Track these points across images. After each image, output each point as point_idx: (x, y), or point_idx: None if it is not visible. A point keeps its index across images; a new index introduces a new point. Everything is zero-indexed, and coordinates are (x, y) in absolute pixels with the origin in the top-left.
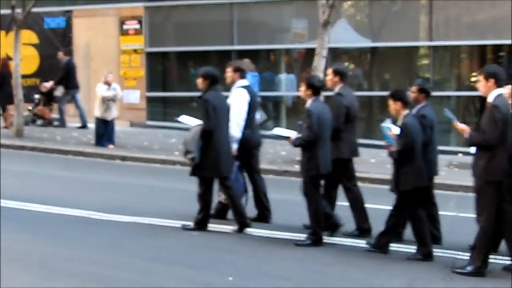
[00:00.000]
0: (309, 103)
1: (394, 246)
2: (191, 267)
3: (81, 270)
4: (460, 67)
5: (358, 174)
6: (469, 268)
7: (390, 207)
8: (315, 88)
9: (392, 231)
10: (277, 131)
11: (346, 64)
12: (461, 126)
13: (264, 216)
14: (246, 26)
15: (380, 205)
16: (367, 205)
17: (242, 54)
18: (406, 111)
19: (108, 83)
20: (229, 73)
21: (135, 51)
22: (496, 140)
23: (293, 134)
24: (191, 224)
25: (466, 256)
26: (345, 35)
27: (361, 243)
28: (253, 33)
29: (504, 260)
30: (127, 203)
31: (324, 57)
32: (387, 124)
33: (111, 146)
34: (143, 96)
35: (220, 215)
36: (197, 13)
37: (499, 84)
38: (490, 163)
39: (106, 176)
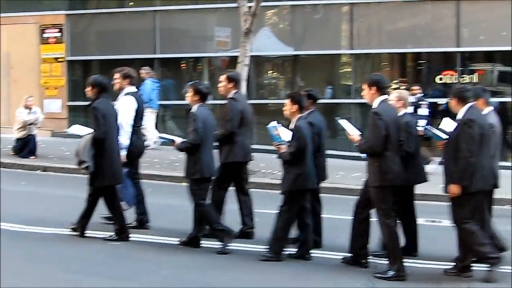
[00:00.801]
0: (195, 108)
1: (315, 253)
2: (114, 278)
3: (3, 284)
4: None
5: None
6: (390, 273)
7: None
8: (202, 94)
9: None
10: (164, 135)
11: (270, 72)
12: (352, 135)
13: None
14: (169, 34)
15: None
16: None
17: (165, 62)
18: (299, 115)
19: (28, 107)
20: (117, 79)
21: (56, 59)
22: (380, 147)
23: (178, 138)
24: (113, 234)
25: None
26: (268, 43)
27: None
28: (176, 41)
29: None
30: (48, 214)
31: (246, 65)
32: (273, 124)
33: (32, 157)
34: (65, 105)
35: (140, 225)
36: (120, 20)
37: (382, 92)
38: (381, 168)
39: (26, 187)
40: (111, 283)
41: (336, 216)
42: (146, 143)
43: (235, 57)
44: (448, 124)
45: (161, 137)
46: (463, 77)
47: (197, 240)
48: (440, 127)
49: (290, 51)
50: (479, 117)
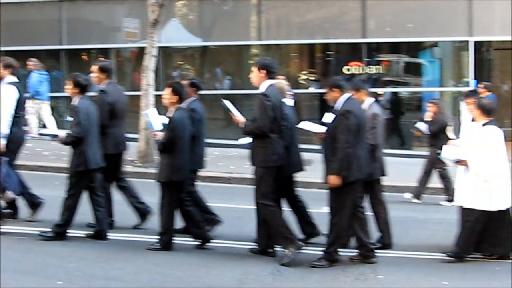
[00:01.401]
0: (76, 100)
1: (228, 243)
2: (21, 272)
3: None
4: (290, 65)
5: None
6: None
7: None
8: (82, 86)
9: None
10: (46, 131)
11: (180, 63)
12: (237, 117)
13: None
14: (76, 25)
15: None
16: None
17: (71, 53)
18: (178, 105)
19: None
20: None
21: None
22: (268, 128)
23: (61, 132)
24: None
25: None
26: (177, 35)
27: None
28: (83, 32)
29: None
30: None
31: (154, 56)
32: (148, 111)
33: None
34: None
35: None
36: (26, 10)
37: (270, 76)
38: (267, 150)
39: None
40: (17, 277)
41: (242, 206)
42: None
43: (144, 48)
44: (328, 116)
45: (42, 134)
46: (370, 67)
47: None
48: (322, 120)
49: (199, 42)
50: (356, 108)
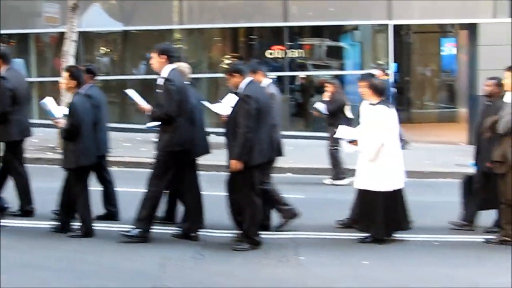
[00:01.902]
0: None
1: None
2: None
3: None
4: (213, 50)
5: (113, 158)
6: (134, 232)
7: (142, 190)
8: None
9: (67, 210)
10: None
11: (103, 49)
12: (142, 105)
13: None
14: None
15: (131, 188)
16: (118, 189)
17: None
18: (77, 90)
19: None
20: None
21: None
22: (175, 112)
23: None
24: None
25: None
26: (98, 19)
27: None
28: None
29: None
30: None
31: (74, 41)
32: (45, 100)
33: None
34: None
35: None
36: None
37: (171, 60)
38: (174, 134)
39: None
40: None
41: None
42: None
43: (64, 33)
44: (231, 99)
45: None
46: (292, 51)
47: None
48: (223, 101)
49: (120, 27)
50: (257, 92)
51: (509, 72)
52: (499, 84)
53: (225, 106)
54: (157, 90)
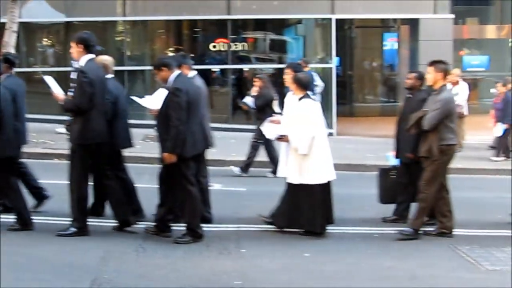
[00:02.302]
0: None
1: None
2: None
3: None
4: (157, 42)
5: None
6: (71, 229)
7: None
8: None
9: None
10: None
11: (45, 40)
12: (57, 94)
13: None
14: None
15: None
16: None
17: None
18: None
19: None
20: None
21: None
22: (86, 104)
23: None
24: None
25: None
26: (39, 10)
27: None
28: None
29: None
30: None
31: (14, 32)
32: None
33: None
34: None
35: None
36: None
37: (89, 50)
38: (85, 127)
39: None
40: None
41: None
42: None
43: (4, 24)
44: (162, 93)
45: None
46: (235, 44)
47: None
48: (153, 96)
49: (62, 18)
50: (186, 84)
51: (432, 67)
52: (420, 78)
53: (156, 100)
54: (71, 82)
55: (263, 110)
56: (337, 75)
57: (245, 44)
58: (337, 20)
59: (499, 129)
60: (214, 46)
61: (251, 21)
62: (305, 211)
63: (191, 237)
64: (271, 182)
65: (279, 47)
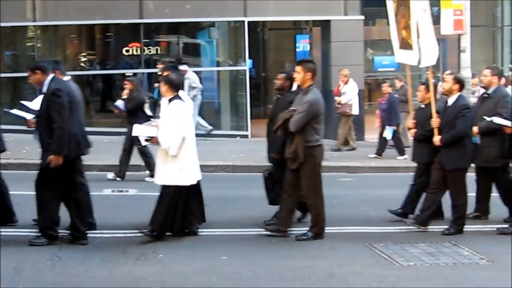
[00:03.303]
0: None
1: (4, 231)
2: None
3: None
4: (69, 47)
5: None
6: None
7: None
8: None
9: None
10: None
11: None
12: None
13: None
14: None
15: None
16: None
17: None
18: None
19: None
20: None
21: None
22: None
23: None
24: None
25: None
26: None
27: None
28: None
29: None
30: None
31: None
32: None
33: None
34: None
35: None
36: None
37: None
38: None
39: None
40: None
41: (20, 192)
42: None
43: None
44: (37, 101)
45: None
46: (149, 48)
47: None
48: (33, 102)
49: None
50: (64, 85)
51: (300, 66)
52: (289, 78)
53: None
54: None
55: (135, 114)
56: (251, 77)
57: (158, 48)
58: (250, 23)
59: (389, 132)
60: (127, 51)
61: (164, 24)
62: (176, 213)
63: (46, 239)
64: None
65: (193, 51)
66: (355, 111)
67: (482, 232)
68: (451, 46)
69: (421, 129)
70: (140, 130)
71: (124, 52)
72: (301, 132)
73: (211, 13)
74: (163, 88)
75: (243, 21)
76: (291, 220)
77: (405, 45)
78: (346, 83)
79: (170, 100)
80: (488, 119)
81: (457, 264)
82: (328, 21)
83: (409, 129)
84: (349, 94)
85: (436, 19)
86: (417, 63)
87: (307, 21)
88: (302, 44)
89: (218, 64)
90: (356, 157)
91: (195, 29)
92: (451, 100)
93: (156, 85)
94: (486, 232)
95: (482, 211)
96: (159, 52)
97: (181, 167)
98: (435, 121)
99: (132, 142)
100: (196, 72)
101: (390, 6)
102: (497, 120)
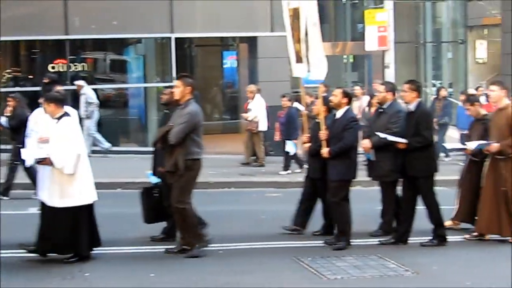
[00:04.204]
0: None
1: None
2: None
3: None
4: None
5: None
6: None
7: None
8: None
9: None
10: None
11: None
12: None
13: None
14: None
15: None
16: None
17: None
18: None
19: None
20: None
21: None
22: None
23: None
24: None
25: None
26: None
27: None
28: None
29: None
30: None
31: None
32: None
33: None
34: None
35: None
36: None
37: None
38: None
39: None
40: None
41: None
42: None
43: None
44: None
45: None
46: (75, 65)
47: None
48: None
49: None
50: None
51: (180, 81)
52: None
53: None
54: None
55: (18, 131)
56: None
57: (84, 64)
58: (177, 39)
59: (291, 146)
60: (53, 67)
61: (90, 41)
62: (69, 234)
63: None
64: (112, 204)
65: (120, 67)
66: (263, 127)
67: (408, 244)
68: (376, 62)
69: (315, 144)
70: (28, 154)
71: (50, 68)
72: (181, 145)
73: (137, 30)
74: (49, 108)
75: (170, 38)
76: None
77: (299, 58)
78: (252, 99)
79: (59, 118)
80: (381, 135)
81: (383, 277)
82: (255, 38)
83: (304, 143)
84: (255, 111)
85: (361, 36)
86: (307, 76)
87: (234, 38)
88: (230, 61)
89: (145, 81)
90: (268, 173)
91: (122, 46)
92: (339, 113)
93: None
94: (411, 245)
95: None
96: (85, 68)
97: (82, 185)
98: (323, 134)
99: (17, 159)
100: (123, 89)
101: (287, 20)
102: (390, 138)
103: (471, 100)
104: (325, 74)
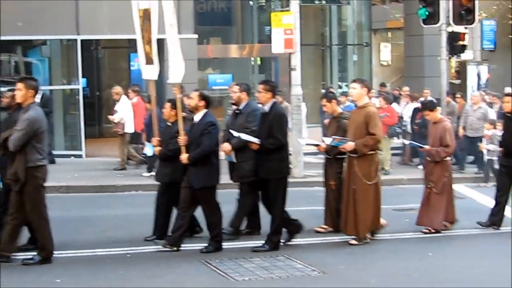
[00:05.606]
0: None
1: None
2: None
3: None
4: None
5: None
6: None
7: None
8: None
9: None
10: None
11: None
12: None
13: None
14: None
15: None
16: None
17: None
18: None
19: None
20: None
21: None
22: None
23: None
24: None
25: None
26: None
27: None
28: None
29: None
30: None
31: None
32: None
33: None
34: None
35: None
36: None
37: None
38: None
39: None
40: None
41: None
42: None
43: None
44: None
45: None
46: None
47: None
48: None
49: None
50: None
51: (22, 84)
52: (13, 97)
53: None
54: None
55: None
56: (85, 96)
57: None
58: (83, 41)
59: (148, 149)
60: None
61: None
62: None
63: None
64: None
65: (25, 69)
66: (129, 129)
67: (314, 244)
68: (283, 65)
69: (165, 148)
70: None
71: None
72: (21, 152)
73: (43, 31)
74: None
75: (76, 40)
76: (15, 244)
77: (149, 60)
78: (118, 100)
79: None
80: (236, 134)
81: (290, 277)
82: (162, 40)
83: (155, 146)
84: (120, 113)
85: (268, 38)
86: (157, 77)
87: None
88: (137, 63)
89: (51, 83)
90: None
91: (27, 47)
92: (197, 117)
93: None
94: (318, 245)
95: (254, 226)
96: None
97: None
98: (182, 139)
99: None
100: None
101: (137, 22)
102: (244, 136)
103: (329, 96)
104: (182, 77)
